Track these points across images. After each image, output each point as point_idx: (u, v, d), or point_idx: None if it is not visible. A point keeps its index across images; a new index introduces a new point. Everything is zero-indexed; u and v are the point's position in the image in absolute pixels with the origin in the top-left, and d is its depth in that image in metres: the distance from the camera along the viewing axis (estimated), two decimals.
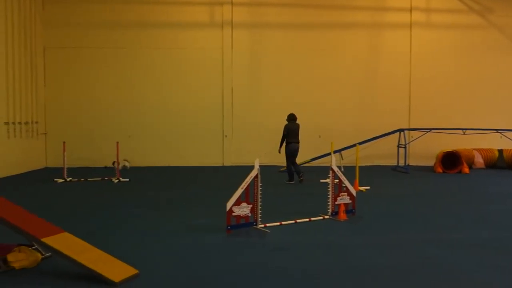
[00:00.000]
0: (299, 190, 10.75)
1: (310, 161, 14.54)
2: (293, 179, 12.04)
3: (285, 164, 12.43)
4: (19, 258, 5.12)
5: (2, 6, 13.06)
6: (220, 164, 16.03)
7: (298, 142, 11.90)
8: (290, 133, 11.84)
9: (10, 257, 5.12)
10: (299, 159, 12.52)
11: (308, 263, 5.37)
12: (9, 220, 5.16)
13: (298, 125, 12.03)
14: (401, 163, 14.98)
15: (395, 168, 15.09)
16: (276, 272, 5.06)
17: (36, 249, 5.44)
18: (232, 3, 15.93)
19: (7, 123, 13.27)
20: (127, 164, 15.20)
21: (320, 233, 6.79)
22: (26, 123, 14.39)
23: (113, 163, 14.02)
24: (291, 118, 12.06)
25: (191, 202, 9.31)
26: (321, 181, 11.81)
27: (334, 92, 16.29)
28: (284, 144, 11.95)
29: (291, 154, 11.85)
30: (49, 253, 5.38)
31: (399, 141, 15.05)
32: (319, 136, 15.99)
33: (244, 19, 16.02)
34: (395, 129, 15.12)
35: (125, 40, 15.77)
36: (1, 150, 12.94)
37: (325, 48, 16.22)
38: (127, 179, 12.38)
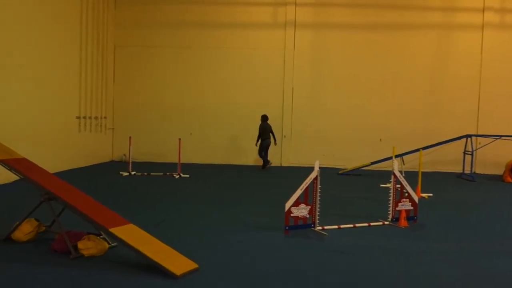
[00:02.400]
0: (358, 194, 10.56)
1: (369, 165, 14.23)
2: (266, 166, 14.84)
3: (344, 167, 13.97)
4: (88, 246, 5.40)
5: (78, 7, 13.81)
6: (278, 164, 16.06)
7: (269, 138, 14.73)
8: (264, 131, 14.67)
9: (80, 245, 5.41)
10: (355, 162, 13.91)
11: (369, 269, 5.25)
12: (80, 209, 5.46)
13: (269, 125, 14.77)
14: (467, 170, 14.31)
15: (460, 176, 14.44)
16: (337, 276, 4.99)
17: (104, 238, 5.71)
18: (296, 4, 15.89)
19: (78, 117, 14.02)
20: (124, 158, 15.77)
21: (380, 238, 6.63)
22: (96, 118, 15.13)
23: (123, 156, 15.68)
24: (264, 119, 14.76)
25: (250, 201, 9.40)
26: (381, 185, 11.54)
27: (397, 94, 15.83)
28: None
29: (265, 147, 14.73)
30: (115, 243, 5.63)
31: (465, 147, 14.38)
32: (380, 140, 15.62)
33: (307, 20, 15.94)
34: (461, 135, 14.45)
35: (191, 39, 16.16)
36: (72, 143, 13.68)
37: (390, 49, 15.81)
38: (187, 175, 12.70)
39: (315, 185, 6.92)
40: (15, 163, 5.99)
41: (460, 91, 15.69)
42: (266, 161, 14.89)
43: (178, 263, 4.96)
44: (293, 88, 16.00)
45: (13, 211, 7.18)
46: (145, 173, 12.89)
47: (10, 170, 6.00)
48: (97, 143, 15.36)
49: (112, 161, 16.15)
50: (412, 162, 14.02)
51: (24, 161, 6.17)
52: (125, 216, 5.80)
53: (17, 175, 6.03)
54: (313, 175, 6.90)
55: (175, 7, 16.18)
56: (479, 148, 14.57)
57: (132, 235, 5.30)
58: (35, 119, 11.75)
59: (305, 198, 6.83)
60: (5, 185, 10.12)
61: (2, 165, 5.99)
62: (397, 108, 15.79)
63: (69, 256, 5.29)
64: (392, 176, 7.63)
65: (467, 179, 13.80)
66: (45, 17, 12.12)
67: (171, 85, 16.31)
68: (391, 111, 15.79)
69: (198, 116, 16.16)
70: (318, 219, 6.98)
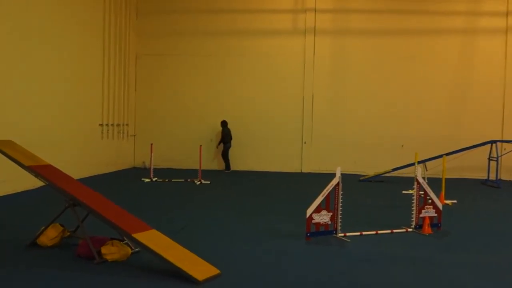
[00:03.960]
0: (380, 201, 10.44)
1: (391, 171, 14.06)
2: (230, 168, 15.69)
3: (365, 173, 14.20)
4: (111, 251, 5.46)
5: (101, 17, 14.08)
6: (299, 171, 16.01)
7: (230, 142, 15.75)
8: (226, 136, 15.64)
9: (104, 250, 5.47)
10: (377, 169, 14.22)
11: (393, 277, 5.17)
12: (104, 215, 5.53)
13: (230, 130, 15.76)
14: (492, 177, 14.01)
15: (484, 182, 14.15)
16: (360, 285, 4.93)
17: (127, 244, 5.77)
18: (315, 10, 15.89)
19: (101, 125, 14.25)
20: (144, 164, 15.99)
21: (403, 246, 6.53)
22: (118, 125, 15.35)
23: (143, 163, 16.04)
24: (225, 124, 15.71)
25: (271, 207, 9.38)
26: (403, 192, 11.38)
27: (420, 100, 15.64)
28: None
29: (226, 151, 15.70)
30: (138, 248, 5.68)
31: (490, 153, 14.10)
32: (402, 146, 15.44)
33: (327, 26, 15.92)
34: (486, 141, 14.17)
35: (211, 48, 16.30)
36: (96, 150, 13.91)
37: (412, 55, 15.64)
38: (208, 181, 12.75)
39: (337, 191, 6.86)
40: (41, 170, 6.11)
41: (484, 96, 15.42)
42: (228, 165, 15.81)
43: (200, 269, 4.97)
44: (313, 95, 15.97)
45: (38, 216, 7.32)
46: (167, 179, 13.00)
47: (36, 176, 6.13)
48: (119, 150, 15.58)
49: (133, 168, 16.34)
50: (435, 169, 13.80)
51: (49, 168, 6.29)
52: (147, 222, 5.85)
53: (42, 181, 6.15)
54: (334, 181, 6.85)
55: (195, 16, 16.35)
56: (505, 154, 14.26)
57: (155, 240, 5.33)
58: (60, 127, 12.00)
59: (326, 205, 6.78)
60: (31, 191, 10.33)
61: (28, 172, 6.12)
62: (419, 114, 15.60)
63: (93, 261, 5.36)
64: (415, 183, 7.52)
65: (492, 186, 13.52)
66: (69, 28, 12.39)
67: (191, 92, 16.45)
68: (413, 117, 15.61)
69: (219, 123, 16.24)
70: (340, 226, 6.92)
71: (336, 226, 6.90)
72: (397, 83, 15.71)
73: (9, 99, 10.08)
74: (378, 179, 14.01)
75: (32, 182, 9.77)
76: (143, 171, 14.91)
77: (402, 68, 15.69)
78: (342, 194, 6.93)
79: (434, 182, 11.42)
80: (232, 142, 15.89)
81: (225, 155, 15.87)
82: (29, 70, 10.76)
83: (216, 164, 16.18)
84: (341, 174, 6.97)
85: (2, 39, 9.88)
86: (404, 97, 15.68)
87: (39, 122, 11.10)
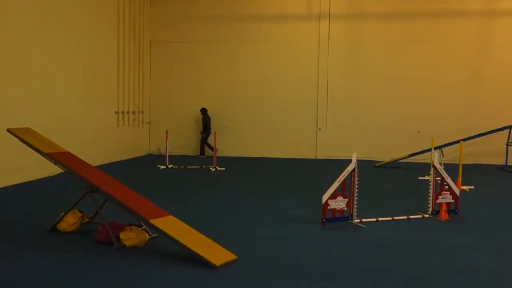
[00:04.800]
0: (396, 187, 10.39)
1: (408, 157, 13.95)
2: (204, 154, 15.92)
3: (381, 159, 14.09)
4: (130, 237, 5.55)
5: (115, 5, 14.10)
6: (313, 157, 15.98)
7: (210, 128, 15.87)
8: (207, 123, 15.80)
9: (123, 235, 5.56)
10: (392, 155, 14.15)
11: (410, 263, 5.16)
12: (122, 201, 5.60)
13: (209, 116, 15.96)
14: (510, 162, 13.81)
15: (502, 168, 13.96)
16: (377, 271, 4.93)
17: (144, 230, 5.85)
18: None
19: (117, 112, 14.37)
20: (159, 151, 16.14)
21: (420, 232, 6.50)
22: (133, 112, 15.47)
23: (158, 150, 16.27)
24: (205, 111, 15.88)
25: (287, 193, 9.40)
26: (420, 178, 11.31)
27: (436, 84, 15.41)
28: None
29: (206, 137, 15.87)
30: (155, 234, 5.76)
31: (508, 138, 13.88)
32: (418, 132, 15.28)
33: (342, 10, 15.71)
34: (504, 126, 13.95)
35: (226, 33, 16.21)
36: (112, 137, 14.05)
37: (428, 38, 15.37)
38: (223, 168, 12.81)
39: (352, 177, 6.84)
40: (59, 157, 6.20)
41: (502, 80, 15.14)
42: (211, 148, 15.48)
43: (217, 254, 5.02)
44: (328, 80, 15.85)
45: (58, 203, 7.45)
46: (182, 166, 13.09)
47: (55, 163, 6.22)
48: (135, 137, 15.70)
49: (149, 155, 16.47)
50: (452, 154, 13.68)
51: (67, 155, 6.37)
52: (164, 208, 5.90)
53: (61, 168, 6.24)
54: (350, 167, 6.82)
55: (209, 2, 16.28)
56: None
57: (172, 226, 5.40)
58: (76, 114, 12.12)
59: (342, 191, 6.77)
60: (50, 178, 10.51)
61: (47, 159, 6.21)
62: (436, 99, 15.39)
63: (112, 247, 5.45)
64: (432, 168, 7.46)
65: (510, 172, 13.34)
66: (83, 15, 12.44)
67: (206, 78, 16.44)
68: (429, 102, 15.41)
69: (234, 109, 16.24)
70: (356, 212, 6.92)
71: (352, 212, 6.90)
72: (413, 67, 15.49)
73: (27, 87, 10.20)
74: (394, 165, 13.92)
75: (51, 169, 9.94)
76: (159, 158, 15.04)
77: (418, 52, 15.44)
78: (357, 180, 6.90)
79: (451, 168, 11.31)
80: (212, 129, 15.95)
81: (204, 141, 15.99)
82: (47, 57, 10.87)
83: (231, 150, 16.16)
84: (357, 160, 6.94)
85: (22, 26, 9.97)
86: (421, 81, 15.47)
87: (57, 110, 11.23)
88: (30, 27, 10.26)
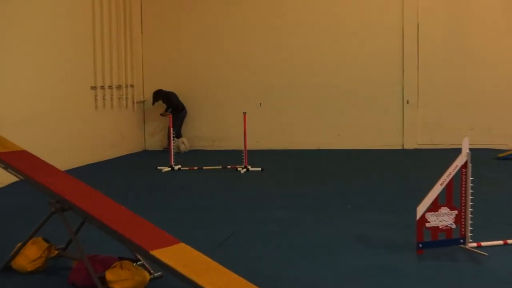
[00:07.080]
0: None
1: None
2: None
3: (507, 147, 14.38)
4: (121, 277, 5.52)
5: None
6: (399, 146, 15.92)
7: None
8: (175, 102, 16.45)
9: (110, 275, 5.54)
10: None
11: None
12: (107, 223, 5.57)
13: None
14: None
15: None
16: None
17: (143, 266, 5.84)
18: None
19: (94, 88, 14.56)
20: (183, 146, 16.01)
21: None
22: (119, 87, 15.61)
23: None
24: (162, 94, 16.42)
25: (358, 203, 9.34)
26: None
27: None
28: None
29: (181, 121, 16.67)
30: (160, 272, 5.76)
31: None
32: None
33: None
34: None
35: None
36: (88, 126, 14.23)
37: None
38: (259, 168, 12.81)
39: (464, 177, 6.68)
40: (12, 158, 6.22)
41: None
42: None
43: None
44: (418, 24, 15.59)
45: (11, 228, 7.54)
46: (195, 167, 13.16)
47: (5, 169, 6.25)
48: (123, 125, 15.89)
49: (144, 151, 16.64)
50: None
51: (24, 155, 6.41)
52: (172, 232, 5.85)
53: (16, 175, 6.27)
54: (459, 161, 6.67)
55: None
56: None
57: (184, 259, 5.34)
58: (37, 95, 12.27)
59: (448, 199, 6.66)
60: None
61: None
62: None
63: None
64: None
65: None
66: None
67: (229, 35, 16.52)
68: None
69: (271, 81, 16.14)
70: (471, 231, 6.73)
71: (465, 231, 6.74)
72: None
73: None
74: None
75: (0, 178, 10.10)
76: (159, 154, 15.15)
77: None
78: (472, 181, 6.70)
79: None
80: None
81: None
82: None
83: (268, 139, 16.09)
84: (470, 149, 6.75)
85: None
86: None
87: (6, 91, 11.37)
88: None
